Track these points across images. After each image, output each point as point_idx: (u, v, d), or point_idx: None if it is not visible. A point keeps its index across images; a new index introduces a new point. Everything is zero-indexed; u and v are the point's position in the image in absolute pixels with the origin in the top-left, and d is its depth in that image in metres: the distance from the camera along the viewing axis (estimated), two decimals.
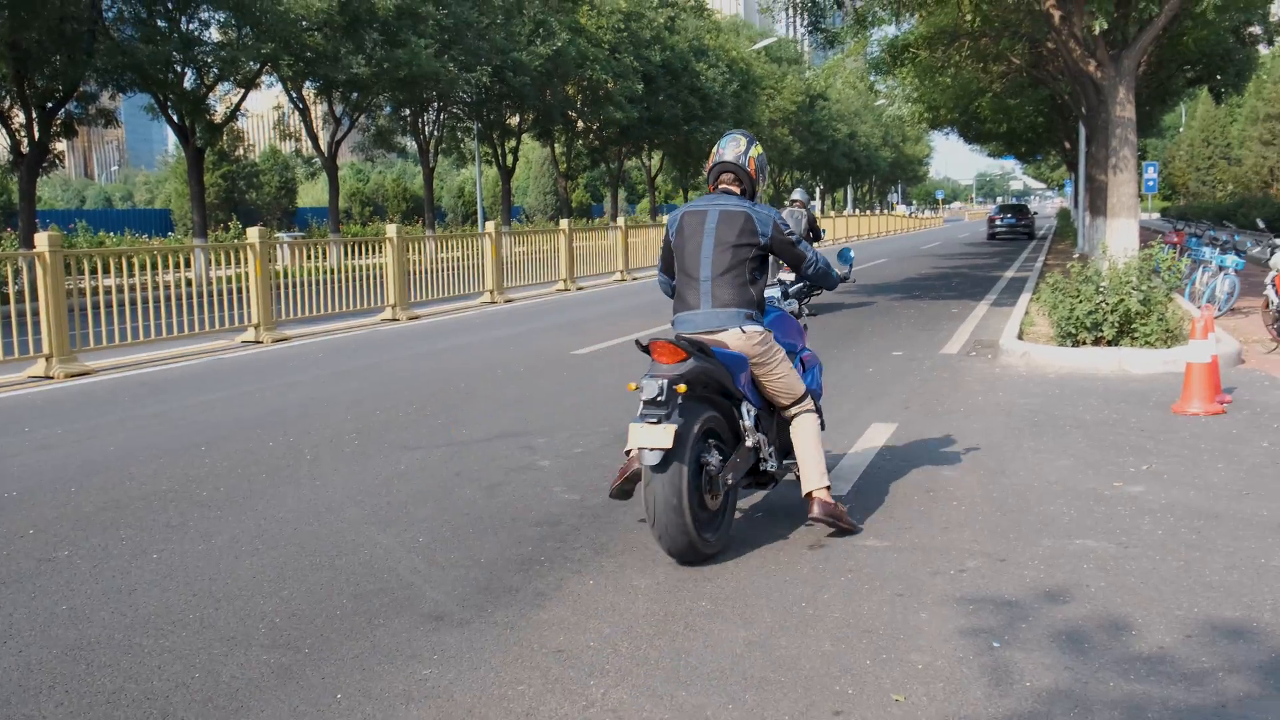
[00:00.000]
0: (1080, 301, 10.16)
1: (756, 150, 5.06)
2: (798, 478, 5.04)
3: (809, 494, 4.96)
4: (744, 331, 4.79)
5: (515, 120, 41.49)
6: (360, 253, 16.82)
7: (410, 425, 7.95)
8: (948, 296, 18.23)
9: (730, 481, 4.77)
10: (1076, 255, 24.34)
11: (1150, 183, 43.44)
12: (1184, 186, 69.14)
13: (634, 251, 26.00)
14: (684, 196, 62.19)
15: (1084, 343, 10.24)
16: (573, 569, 4.78)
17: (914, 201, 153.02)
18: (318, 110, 35.75)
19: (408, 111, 36.78)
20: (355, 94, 31.90)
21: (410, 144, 41.97)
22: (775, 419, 5.09)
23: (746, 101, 51.51)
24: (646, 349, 4.62)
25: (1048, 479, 6.04)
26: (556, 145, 46.74)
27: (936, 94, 26.79)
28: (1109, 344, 10.15)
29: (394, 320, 16.24)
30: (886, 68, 21.80)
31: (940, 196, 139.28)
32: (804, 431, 4.98)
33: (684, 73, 45.82)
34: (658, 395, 4.47)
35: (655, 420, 4.46)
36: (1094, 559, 4.72)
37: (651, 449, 4.44)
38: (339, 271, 16.11)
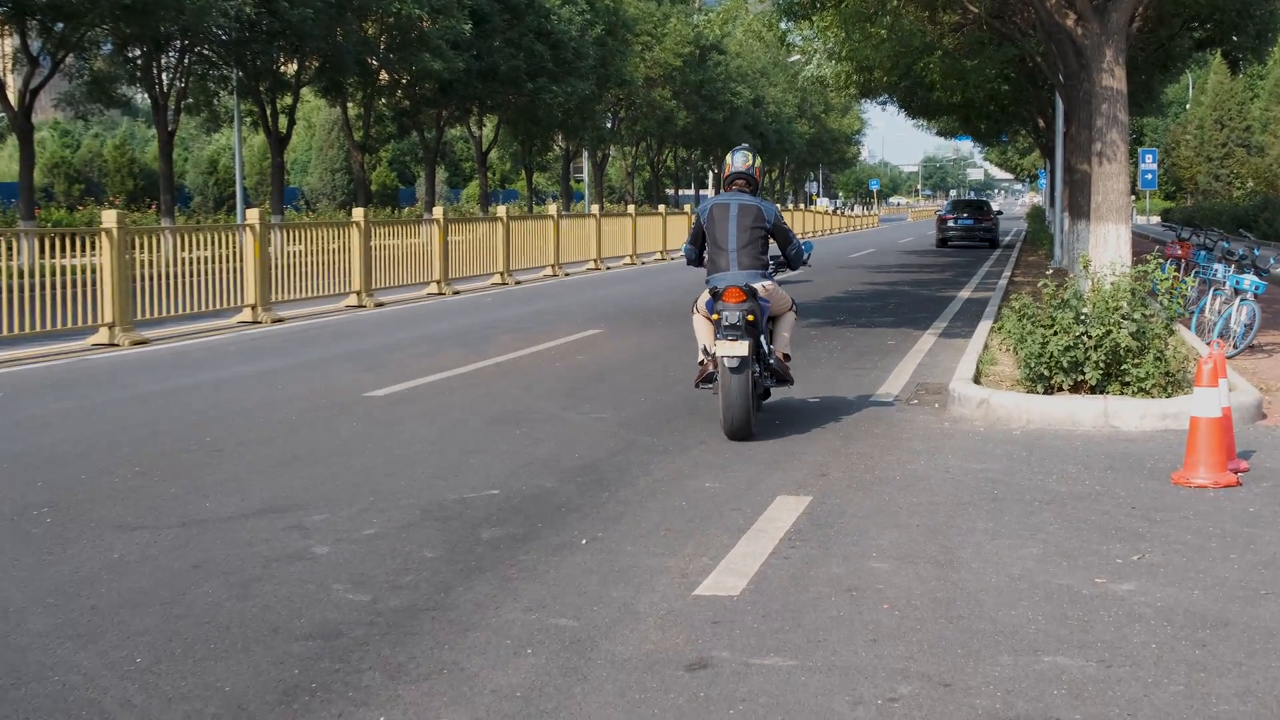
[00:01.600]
0: (1055, 334, 10.46)
1: (758, 161, 10.20)
2: (777, 362, 10.04)
3: (783, 355, 10.11)
4: (764, 287, 9.72)
5: (291, 68, 41.05)
6: (65, 248, 16.37)
7: (130, 496, 7.77)
8: (882, 323, 18.64)
9: (767, 384, 10.03)
10: (1051, 270, 25.14)
11: (1148, 176, 45.13)
12: (1191, 181, 72.10)
13: (458, 254, 25.91)
14: (528, 180, 62.38)
15: (1060, 388, 10.54)
16: (357, 700, 4.71)
17: (840, 194, 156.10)
18: (4, 46, 34.77)
19: (137, 51, 36.05)
20: (60, 25, 31.11)
21: (141, 97, 41.13)
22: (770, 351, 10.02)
23: (614, 51, 52.14)
24: (718, 294, 9.41)
25: (1009, 573, 6.19)
26: (350, 105, 46.41)
27: (869, 50, 27.38)
28: (1092, 390, 10.46)
29: (112, 345, 15.84)
30: (802, 11, 22.23)
31: (875, 188, 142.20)
32: (786, 320, 10.29)
33: (529, 11, 46.11)
34: (737, 321, 9.22)
35: (734, 339, 9.19)
36: (1067, 682, 4.84)
37: (732, 356, 9.18)
38: (32, 274, 15.64)
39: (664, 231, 39.91)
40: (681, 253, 10.36)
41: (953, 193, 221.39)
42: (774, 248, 10.22)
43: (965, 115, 44.28)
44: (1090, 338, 10.36)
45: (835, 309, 21.07)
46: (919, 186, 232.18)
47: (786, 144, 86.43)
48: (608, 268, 33.65)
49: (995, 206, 61.75)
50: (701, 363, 9.91)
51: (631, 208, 40.67)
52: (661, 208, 42.79)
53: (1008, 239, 56.55)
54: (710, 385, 9.82)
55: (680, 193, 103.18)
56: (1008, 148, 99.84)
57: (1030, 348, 10.55)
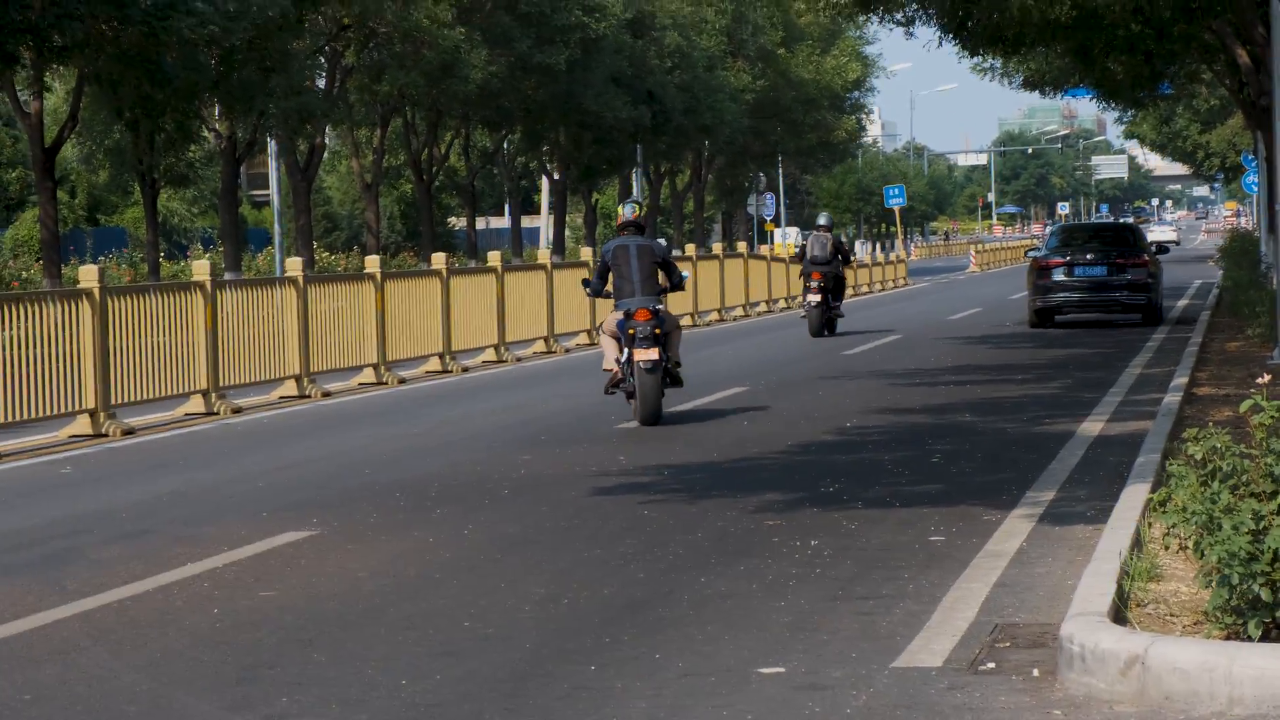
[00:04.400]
0: None
1: (643, 210, 38.71)
2: (672, 366, 31.53)
3: (675, 362, 32.36)
4: (661, 309, 33.26)
5: None
6: None
7: None
8: (920, 496, 18.79)
9: (669, 381, 32.84)
10: (1269, 375, 25.54)
11: None
12: None
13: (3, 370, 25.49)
14: (147, 203, 62.09)
15: None
16: None
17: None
18: None
19: None
20: None
21: None
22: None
23: None
24: (630, 314, 30.86)
25: None
26: None
27: None
28: None
29: None
30: None
31: (897, 204, 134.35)
32: (676, 334, 33.46)
33: None
34: (649, 333, 31.20)
35: (648, 346, 31.31)
36: None
37: (648, 360, 31.03)
38: None
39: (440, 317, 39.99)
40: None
41: (1063, 209, 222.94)
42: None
43: (1081, 48, 44.54)
44: None
45: (820, 467, 21.35)
46: (990, 196, 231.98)
47: (704, 115, 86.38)
48: (323, 393, 33.49)
49: (1161, 235, 62.01)
50: (610, 370, 28.34)
51: (372, 263, 40.16)
52: (440, 258, 42.12)
53: (1181, 304, 57.02)
54: (616, 390, 28.07)
55: (485, 223, 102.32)
56: (1175, 112, 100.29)
57: (1231, 543, 10.49)
